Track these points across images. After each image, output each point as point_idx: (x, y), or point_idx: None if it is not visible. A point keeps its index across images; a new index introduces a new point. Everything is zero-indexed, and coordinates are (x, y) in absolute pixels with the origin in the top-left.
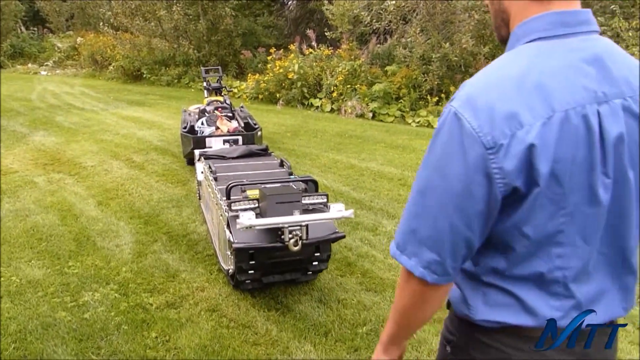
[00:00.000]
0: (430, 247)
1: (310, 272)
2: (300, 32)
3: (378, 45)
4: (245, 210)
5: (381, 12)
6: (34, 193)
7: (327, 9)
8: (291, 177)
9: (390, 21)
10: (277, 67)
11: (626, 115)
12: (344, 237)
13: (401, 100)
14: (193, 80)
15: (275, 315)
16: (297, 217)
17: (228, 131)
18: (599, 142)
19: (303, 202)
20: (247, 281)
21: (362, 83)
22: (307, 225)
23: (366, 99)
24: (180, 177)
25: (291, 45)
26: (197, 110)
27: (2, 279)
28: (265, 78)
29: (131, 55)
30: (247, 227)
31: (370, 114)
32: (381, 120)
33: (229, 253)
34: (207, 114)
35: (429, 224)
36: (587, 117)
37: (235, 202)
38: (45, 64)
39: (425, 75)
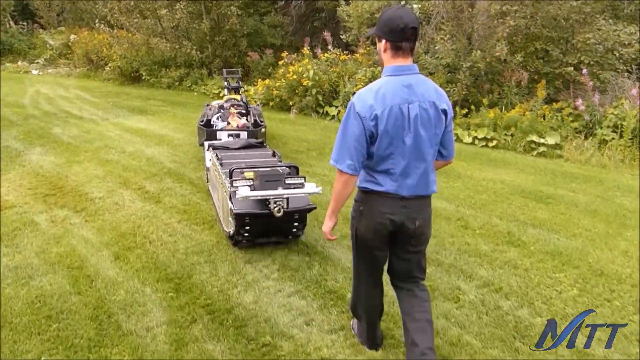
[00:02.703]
0: (349, 157)
1: (291, 237)
2: (306, 31)
3: None
4: (243, 186)
5: None
6: (35, 239)
7: (343, 10)
8: (279, 163)
9: None
10: (291, 73)
11: (420, 108)
12: (315, 208)
13: None
14: (196, 83)
15: None
16: (280, 191)
17: (237, 126)
18: (407, 118)
19: (286, 181)
20: (243, 240)
21: None
22: (287, 198)
23: None
24: (204, 214)
25: (304, 49)
26: (217, 106)
27: None
28: (277, 84)
29: (129, 55)
30: (244, 198)
31: None
32: None
33: (230, 219)
34: (222, 111)
35: (347, 147)
36: (402, 108)
37: (235, 180)
38: (37, 61)
39: (452, 84)
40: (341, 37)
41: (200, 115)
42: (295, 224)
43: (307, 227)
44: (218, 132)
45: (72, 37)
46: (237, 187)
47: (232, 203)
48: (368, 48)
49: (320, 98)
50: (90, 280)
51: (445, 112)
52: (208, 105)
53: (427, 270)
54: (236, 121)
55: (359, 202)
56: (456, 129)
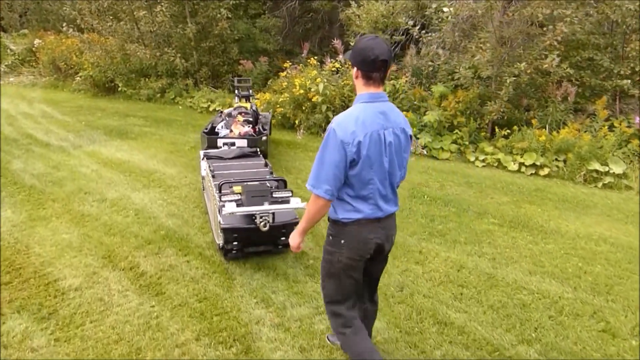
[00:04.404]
0: (327, 183)
1: (280, 247)
2: (298, 34)
3: (418, 58)
4: (230, 201)
5: (432, 18)
6: None
7: (353, 13)
8: (267, 176)
9: (442, 29)
10: (297, 87)
11: (393, 134)
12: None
13: (456, 131)
14: (180, 95)
15: None
16: (266, 207)
17: (239, 134)
18: (384, 143)
19: (273, 195)
20: (232, 251)
21: (406, 108)
22: (273, 213)
23: (413, 129)
24: (230, 319)
25: (311, 59)
26: (227, 113)
27: None
28: (280, 99)
29: (102, 63)
30: (230, 214)
31: (423, 150)
32: (434, 157)
33: (219, 231)
34: (227, 118)
35: (325, 173)
36: (379, 134)
37: (224, 194)
38: None
39: (490, 100)
40: (351, 43)
41: (207, 122)
42: (282, 237)
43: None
44: (218, 140)
45: (36, 41)
46: (224, 202)
47: (220, 217)
48: None
49: (331, 115)
50: None
51: (411, 137)
52: (220, 112)
53: None
54: (238, 129)
55: (338, 235)
56: (497, 154)
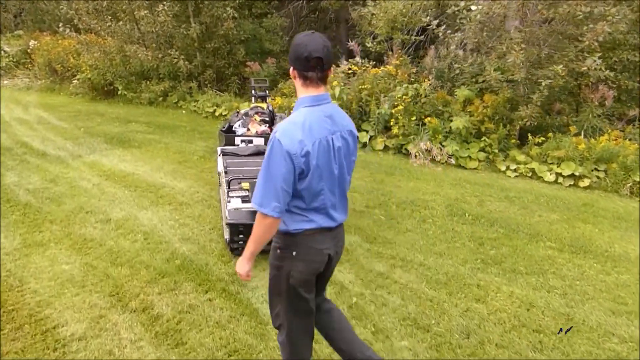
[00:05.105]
0: (274, 199)
1: None
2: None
3: (439, 60)
4: (236, 197)
5: (456, 17)
6: None
7: (368, 12)
8: None
9: (469, 28)
10: None
11: (341, 138)
12: None
13: (484, 138)
14: (183, 99)
15: None
16: None
17: (256, 132)
18: (332, 149)
19: None
20: (238, 247)
21: (429, 113)
22: None
23: (438, 136)
24: None
25: None
26: (243, 113)
27: None
28: (292, 104)
29: (101, 65)
30: (235, 209)
31: (449, 159)
32: (462, 166)
33: (226, 226)
34: (244, 117)
35: (273, 188)
36: (328, 140)
37: (232, 190)
38: None
39: (517, 104)
40: (367, 44)
41: (225, 122)
42: None
43: None
44: (235, 138)
45: (31, 42)
46: (230, 198)
47: (227, 212)
48: (401, 58)
49: None
50: None
51: (357, 138)
52: (237, 112)
53: None
54: (256, 127)
55: (288, 247)
56: (531, 164)
